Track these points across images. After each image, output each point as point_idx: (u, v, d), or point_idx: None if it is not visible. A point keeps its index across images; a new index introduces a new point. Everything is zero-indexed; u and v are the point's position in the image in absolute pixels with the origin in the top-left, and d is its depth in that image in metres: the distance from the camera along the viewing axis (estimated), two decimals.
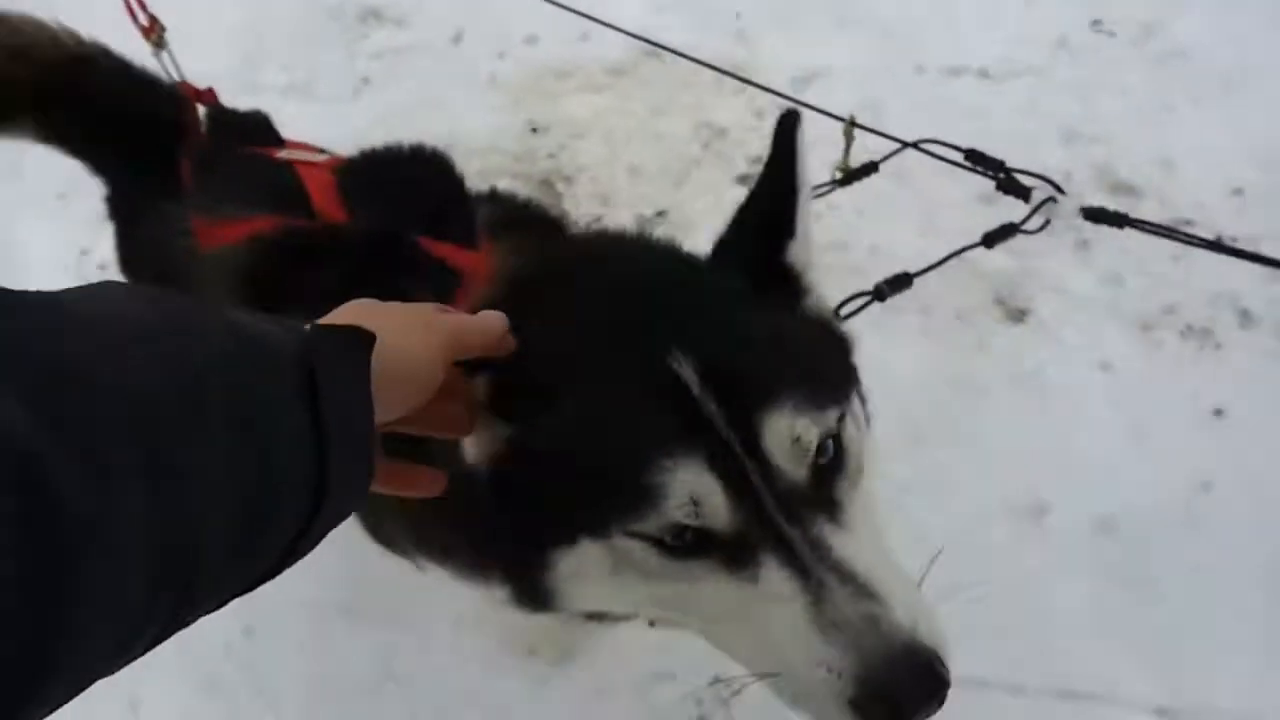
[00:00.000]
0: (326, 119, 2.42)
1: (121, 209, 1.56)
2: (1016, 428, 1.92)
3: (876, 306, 1.36)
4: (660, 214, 2.33)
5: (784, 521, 0.81)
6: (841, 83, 2.47)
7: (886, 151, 1.53)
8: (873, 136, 1.52)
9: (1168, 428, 1.90)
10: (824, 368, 0.92)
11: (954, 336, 2.06)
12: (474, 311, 0.86)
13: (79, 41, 1.49)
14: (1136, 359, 2.00)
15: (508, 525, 0.93)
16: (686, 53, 1.81)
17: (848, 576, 0.80)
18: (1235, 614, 1.70)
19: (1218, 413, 1.92)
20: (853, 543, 0.83)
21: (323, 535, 0.64)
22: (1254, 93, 2.34)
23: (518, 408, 0.87)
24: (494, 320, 0.84)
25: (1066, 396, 1.96)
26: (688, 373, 0.81)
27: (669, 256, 1.01)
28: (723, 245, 0.98)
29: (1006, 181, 1.43)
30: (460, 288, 1.09)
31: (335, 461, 0.61)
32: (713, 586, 0.84)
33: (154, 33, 1.59)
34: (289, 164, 1.35)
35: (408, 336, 0.74)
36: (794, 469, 0.83)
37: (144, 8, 1.58)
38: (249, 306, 1.07)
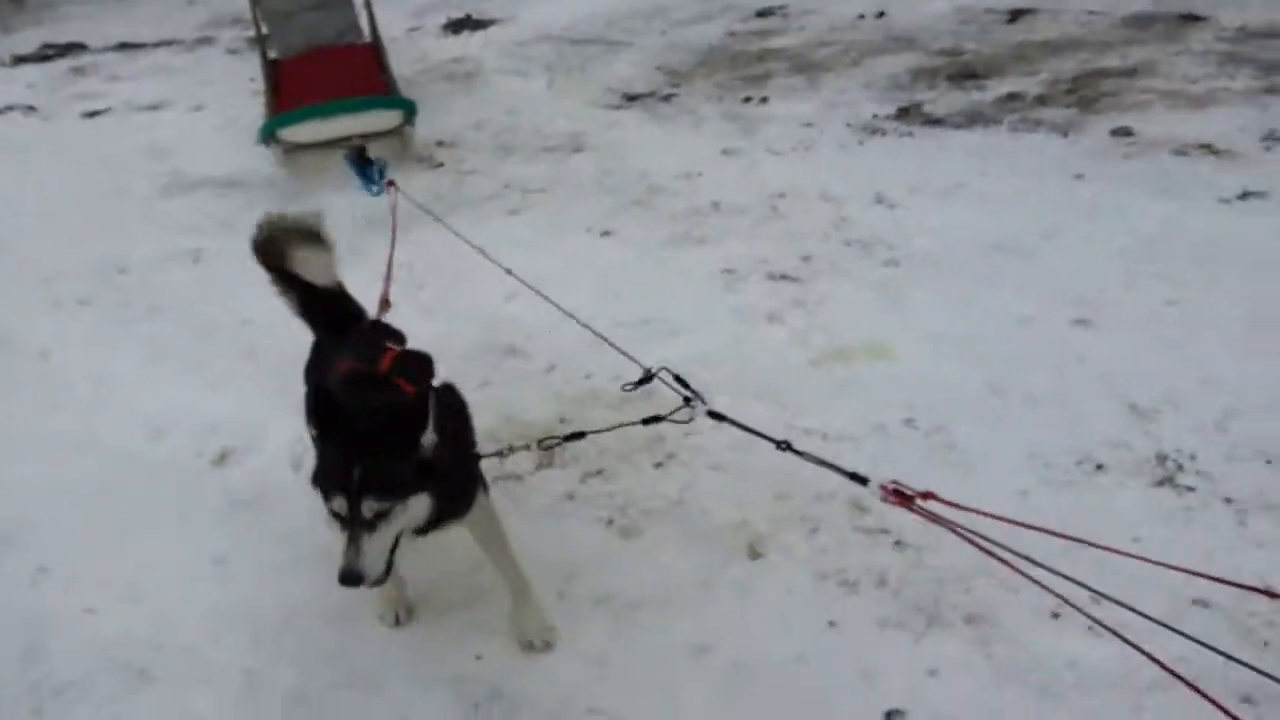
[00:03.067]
0: None
1: (317, 347, 3.37)
2: None
3: None
4: None
5: (356, 527, 2.37)
6: None
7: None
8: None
9: None
10: (399, 487, 2.41)
11: None
12: None
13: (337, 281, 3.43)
14: None
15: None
16: None
17: (360, 547, 2.36)
18: None
19: None
20: (371, 540, 2.38)
21: None
22: None
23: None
24: None
25: None
26: (355, 473, 2.35)
27: (389, 410, 2.50)
28: (404, 417, 2.47)
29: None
30: None
31: None
32: (337, 531, 2.43)
33: (384, 307, 3.61)
34: (386, 347, 3.01)
35: None
36: (369, 513, 2.37)
37: (387, 301, 3.63)
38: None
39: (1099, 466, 3.59)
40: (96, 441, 4.38)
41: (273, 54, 8.09)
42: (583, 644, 3.13)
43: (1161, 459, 3.58)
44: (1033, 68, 7.37)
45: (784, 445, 2.70)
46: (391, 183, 5.31)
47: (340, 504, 2.38)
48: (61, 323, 5.52)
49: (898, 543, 3.32)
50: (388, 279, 3.92)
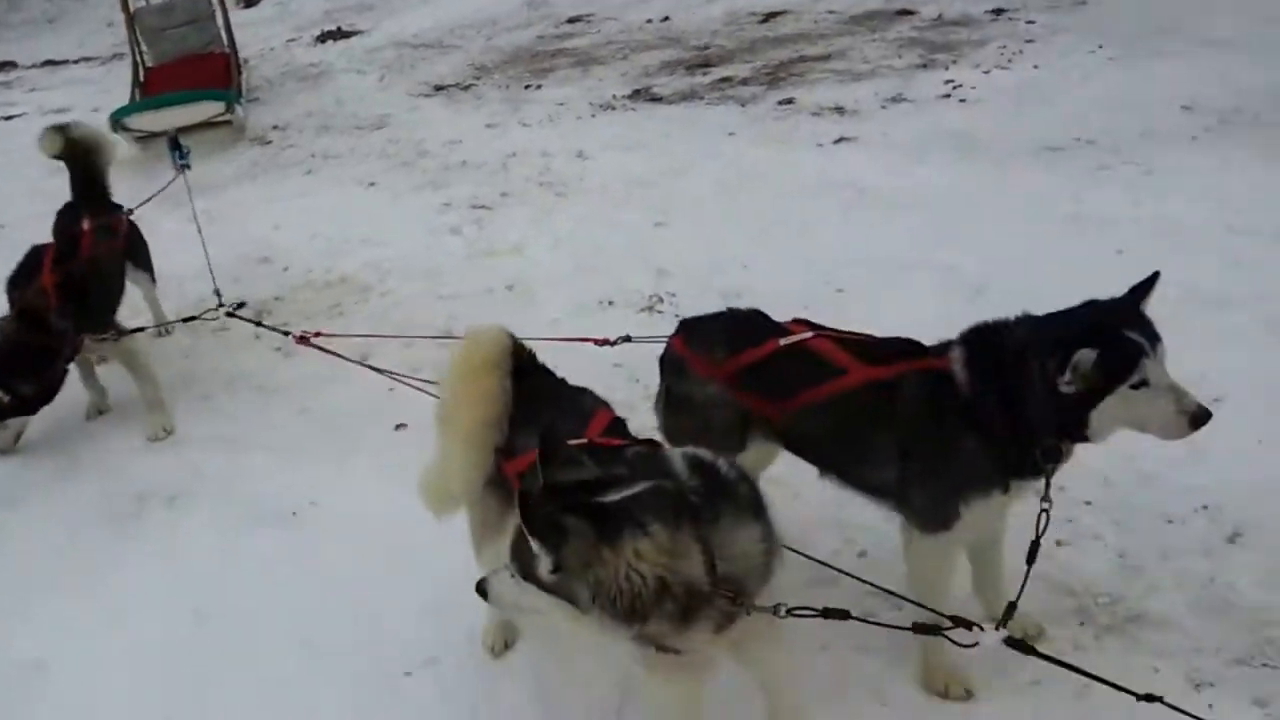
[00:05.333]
0: None
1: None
2: None
3: None
4: None
5: None
6: None
7: None
8: None
9: None
10: None
11: None
12: None
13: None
14: None
15: None
16: None
17: None
18: None
19: None
20: None
21: None
22: None
23: None
24: None
25: None
26: None
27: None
28: None
29: None
30: None
31: None
32: None
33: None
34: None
35: None
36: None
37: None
38: None
39: (611, 303, 5.34)
40: None
41: (149, 62, 9.82)
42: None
43: (653, 298, 5.31)
44: (755, 57, 9.13)
45: (301, 338, 4.56)
46: (186, 165, 6.98)
47: None
48: None
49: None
50: (144, 202, 5.60)
